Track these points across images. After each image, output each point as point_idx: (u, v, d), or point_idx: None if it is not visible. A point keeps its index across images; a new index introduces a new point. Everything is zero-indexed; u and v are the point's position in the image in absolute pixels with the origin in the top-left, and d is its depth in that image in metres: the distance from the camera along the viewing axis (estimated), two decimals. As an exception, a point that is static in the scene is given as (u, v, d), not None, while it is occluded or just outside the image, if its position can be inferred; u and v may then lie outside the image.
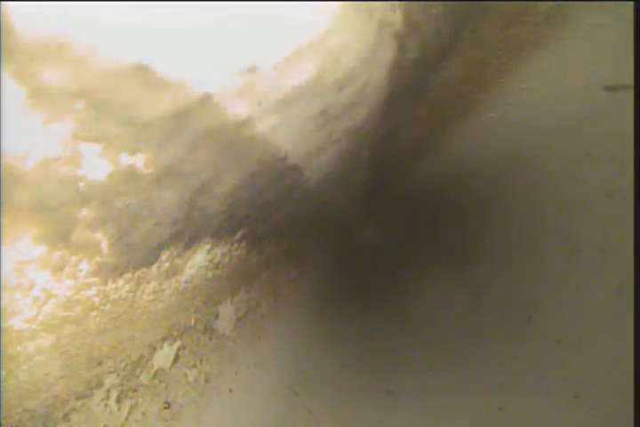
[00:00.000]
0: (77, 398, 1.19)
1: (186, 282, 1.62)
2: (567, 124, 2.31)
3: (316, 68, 1.20)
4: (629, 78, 1.84)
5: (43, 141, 0.80)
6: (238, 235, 1.93)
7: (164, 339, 1.58)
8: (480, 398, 2.32)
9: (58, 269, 0.98)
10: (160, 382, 1.54)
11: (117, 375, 1.34)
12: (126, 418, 1.36)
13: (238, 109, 1.16)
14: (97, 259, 1.08)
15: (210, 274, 1.82)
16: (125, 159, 0.99)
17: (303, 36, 1.05)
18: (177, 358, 1.65)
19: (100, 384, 1.27)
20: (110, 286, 1.18)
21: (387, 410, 2.40)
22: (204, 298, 1.85)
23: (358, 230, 5.54)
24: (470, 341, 2.93)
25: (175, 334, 1.65)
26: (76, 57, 0.73)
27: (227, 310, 2.10)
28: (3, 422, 0.98)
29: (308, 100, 1.34)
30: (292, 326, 2.94)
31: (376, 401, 2.50)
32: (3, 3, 0.64)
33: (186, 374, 1.70)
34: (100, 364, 1.25)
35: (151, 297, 1.42)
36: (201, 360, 1.82)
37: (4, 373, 0.95)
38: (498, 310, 3.00)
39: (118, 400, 1.33)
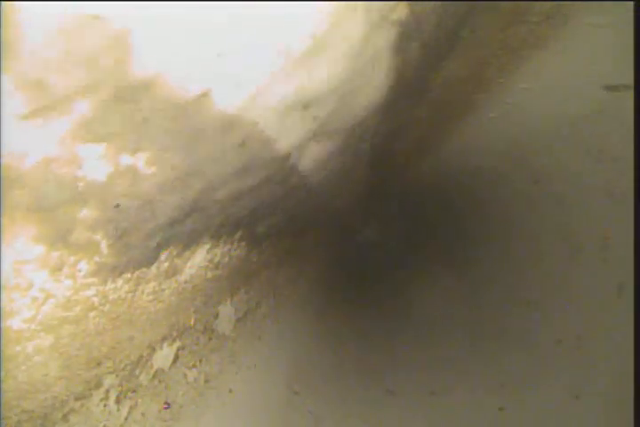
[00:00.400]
0: (76, 399, 1.19)
1: (185, 282, 1.62)
2: (567, 124, 2.31)
3: (318, 68, 1.20)
4: (629, 78, 1.84)
5: (42, 141, 0.80)
6: (237, 235, 1.93)
7: (163, 339, 1.57)
8: (480, 398, 2.32)
9: (56, 270, 0.97)
10: (159, 382, 1.54)
11: (117, 376, 1.33)
12: (125, 419, 1.36)
13: (240, 110, 1.15)
14: (96, 259, 1.08)
15: (209, 274, 1.81)
16: (126, 159, 0.99)
17: (304, 36, 1.04)
18: (176, 358, 1.64)
19: (99, 385, 1.26)
20: (109, 285, 1.18)
21: (387, 410, 2.40)
22: (204, 298, 1.85)
23: (358, 230, 5.54)
24: (470, 341, 2.93)
25: (175, 334, 1.65)
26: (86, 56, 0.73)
27: (226, 310, 2.09)
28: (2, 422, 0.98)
29: (309, 99, 1.34)
30: (292, 326, 2.93)
31: (376, 401, 2.49)
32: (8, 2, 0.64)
33: (185, 375, 1.70)
34: (99, 364, 1.24)
35: (150, 297, 1.41)
36: (201, 360, 1.82)
37: (2, 373, 0.95)
38: (498, 310, 3.00)
39: (117, 401, 1.33)
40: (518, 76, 2.11)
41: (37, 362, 1.03)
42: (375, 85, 1.56)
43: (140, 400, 1.43)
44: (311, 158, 1.85)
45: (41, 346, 1.02)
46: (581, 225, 2.37)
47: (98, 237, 1.05)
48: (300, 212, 2.56)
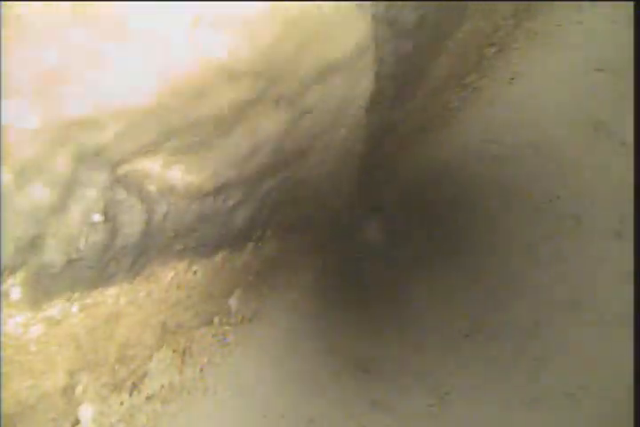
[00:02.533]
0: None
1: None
2: (570, 122, 2.29)
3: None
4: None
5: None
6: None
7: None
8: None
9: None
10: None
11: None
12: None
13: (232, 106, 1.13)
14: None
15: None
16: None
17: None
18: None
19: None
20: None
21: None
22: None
23: (357, 231, 5.47)
24: (473, 354, 2.87)
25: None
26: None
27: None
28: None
29: (295, 94, 1.31)
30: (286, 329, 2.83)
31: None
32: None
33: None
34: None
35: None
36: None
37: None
38: (505, 319, 2.92)
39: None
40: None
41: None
42: (366, 68, 1.51)
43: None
44: (303, 156, 1.79)
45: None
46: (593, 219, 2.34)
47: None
48: (295, 213, 2.50)
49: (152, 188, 1.01)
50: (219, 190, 1.37)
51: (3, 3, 0.64)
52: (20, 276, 0.82)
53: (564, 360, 2.31)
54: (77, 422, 1.20)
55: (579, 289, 2.43)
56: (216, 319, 1.95)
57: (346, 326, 3.50)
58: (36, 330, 0.94)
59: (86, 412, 1.16)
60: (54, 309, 0.96)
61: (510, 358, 2.56)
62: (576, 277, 2.46)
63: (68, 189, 0.77)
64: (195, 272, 1.59)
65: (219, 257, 1.74)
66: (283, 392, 2.26)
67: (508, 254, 3.17)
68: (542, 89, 2.19)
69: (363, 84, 1.56)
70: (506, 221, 3.18)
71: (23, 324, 0.92)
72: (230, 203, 1.53)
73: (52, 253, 0.79)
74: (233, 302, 2.08)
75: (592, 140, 2.18)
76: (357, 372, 2.77)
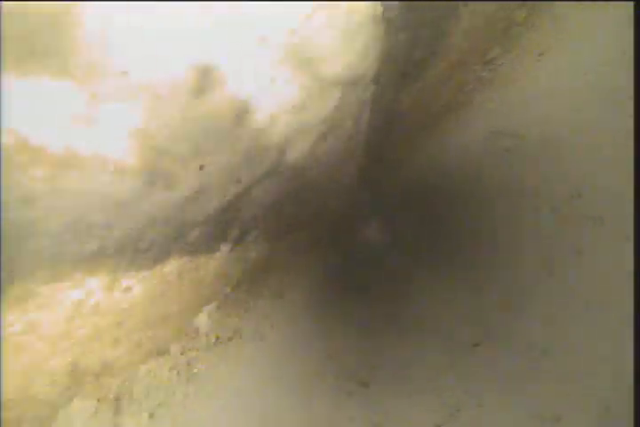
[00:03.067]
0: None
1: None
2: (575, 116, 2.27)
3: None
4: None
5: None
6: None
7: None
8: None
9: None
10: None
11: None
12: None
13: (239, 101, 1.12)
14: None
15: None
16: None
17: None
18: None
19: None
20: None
21: None
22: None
23: (357, 231, 5.41)
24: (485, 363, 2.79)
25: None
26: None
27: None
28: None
29: (295, 88, 1.29)
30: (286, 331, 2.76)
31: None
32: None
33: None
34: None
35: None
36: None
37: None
38: (517, 326, 2.81)
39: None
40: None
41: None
42: (366, 64, 1.44)
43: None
44: (303, 151, 1.74)
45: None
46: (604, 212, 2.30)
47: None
48: (294, 211, 2.44)
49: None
50: (150, 169, 0.86)
51: (2, 3, 0.63)
52: None
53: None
54: None
55: (591, 290, 2.37)
56: (174, 347, 1.45)
57: (345, 332, 3.36)
58: None
59: None
60: None
61: (525, 369, 2.41)
62: (591, 278, 2.39)
63: None
64: (127, 289, 1.02)
65: (169, 267, 1.16)
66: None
67: (516, 254, 3.08)
68: (573, 67, 1.96)
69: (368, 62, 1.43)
70: (512, 221, 3.11)
71: None
72: (179, 191, 1.01)
73: None
74: (202, 321, 1.63)
75: (614, 134, 2.09)
76: (357, 387, 2.47)
